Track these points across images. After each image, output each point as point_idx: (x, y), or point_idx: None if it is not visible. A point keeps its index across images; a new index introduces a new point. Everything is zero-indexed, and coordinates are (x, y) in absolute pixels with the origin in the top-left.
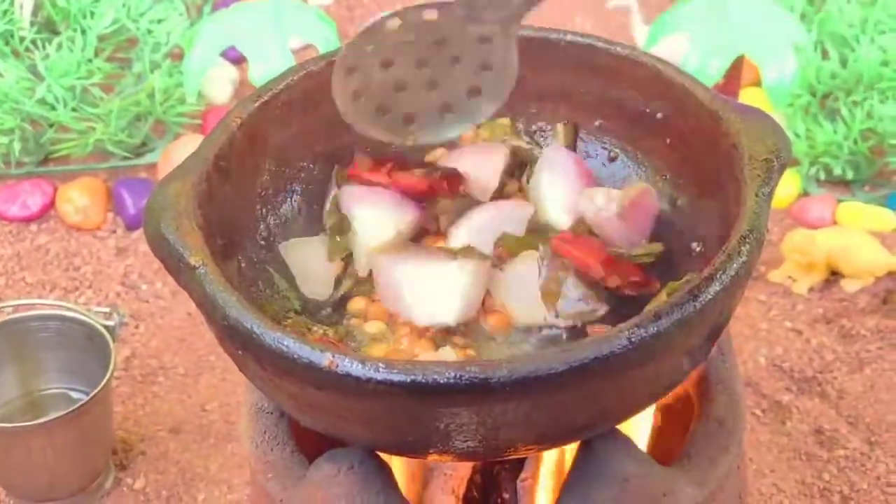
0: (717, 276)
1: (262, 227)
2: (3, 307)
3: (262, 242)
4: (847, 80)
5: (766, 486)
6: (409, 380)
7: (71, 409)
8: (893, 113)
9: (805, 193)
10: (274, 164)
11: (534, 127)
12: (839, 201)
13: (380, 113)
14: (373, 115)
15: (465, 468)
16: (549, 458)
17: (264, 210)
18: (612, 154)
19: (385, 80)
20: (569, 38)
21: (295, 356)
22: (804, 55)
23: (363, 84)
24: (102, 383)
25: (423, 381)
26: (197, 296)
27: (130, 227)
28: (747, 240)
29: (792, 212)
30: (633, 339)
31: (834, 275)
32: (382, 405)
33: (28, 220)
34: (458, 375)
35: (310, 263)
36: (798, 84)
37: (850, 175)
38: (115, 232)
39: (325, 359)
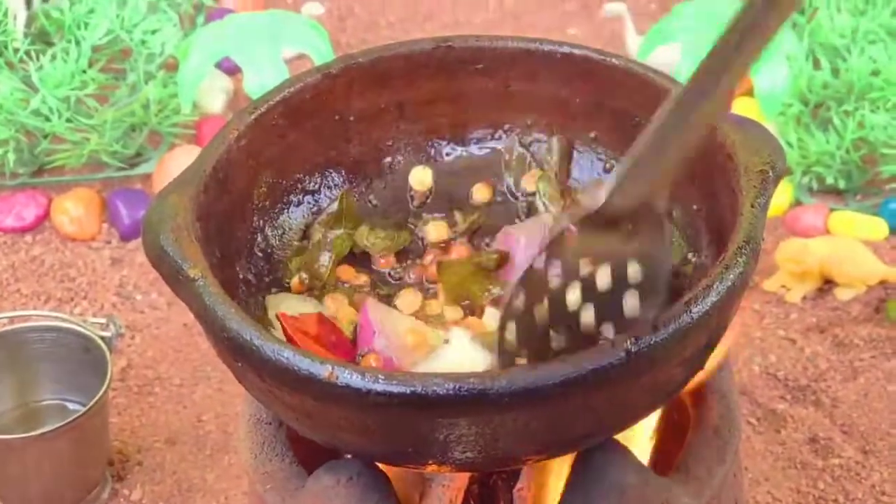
0: (715, 286)
1: (259, 238)
2: None
3: (260, 254)
4: (839, 90)
5: (761, 495)
6: (408, 391)
7: (67, 420)
8: (885, 122)
9: (797, 202)
10: (271, 176)
11: (528, 139)
12: (831, 210)
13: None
14: None
15: (462, 479)
16: (546, 468)
17: (261, 221)
18: (607, 165)
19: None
20: (564, 49)
21: (294, 367)
22: (796, 65)
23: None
24: (99, 394)
25: (423, 392)
26: (196, 308)
27: (125, 237)
28: (744, 250)
29: (785, 221)
30: (631, 351)
31: (827, 283)
32: (382, 416)
33: (22, 231)
34: (457, 387)
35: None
36: (789, 94)
37: (842, 184)
38: (109, 243)
39: (324, 370)
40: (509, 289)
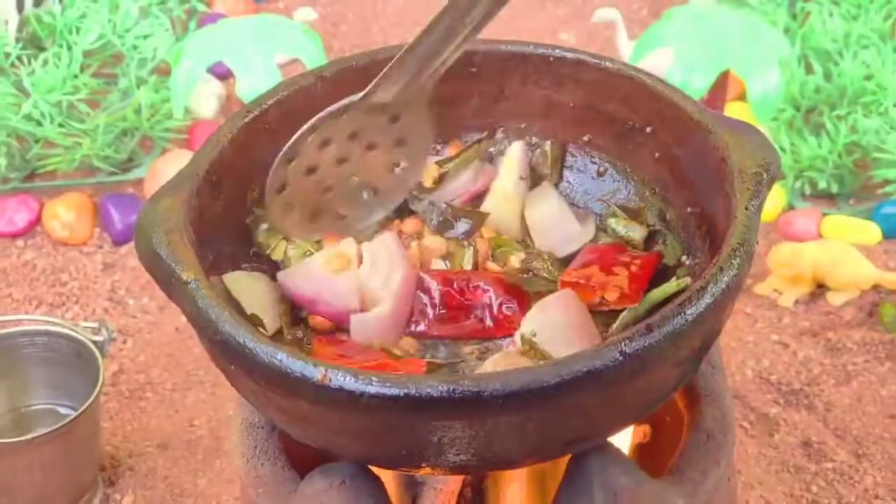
0: (709, 288)
1: (252, 241)
2: None
3: (253, 257)
4: (831, 95)
5: (754, 499)
6: (402, 393)
7: (59, 425)
8: (877, 127)
9: (790, 207)
10: (263, 180)
11: (522, 142)
12: (824, 215)
13: (312, 218)
14: (306, 224)
15: (454, 482)
16: (539, 471)
17: (254, 224)
18: (600, 169)
19: (310, 186)
20: (557, 52)
21: (288, 370)
22: (788, 70)
23: (292, 197)
24: (91, 399)
25: (417, 394)
26: (189, 311)
27: (117, 242)
28: (738, 252)
29: (777, 225)
30: (625, 352)
31: (820, 288)
32: (376, 419)
33: (14, 236)
34: (451, 389)
35: (254, 296)
36: (782, 98)
37: (834, 188)
38: (101, 247)
39: (318, 373)
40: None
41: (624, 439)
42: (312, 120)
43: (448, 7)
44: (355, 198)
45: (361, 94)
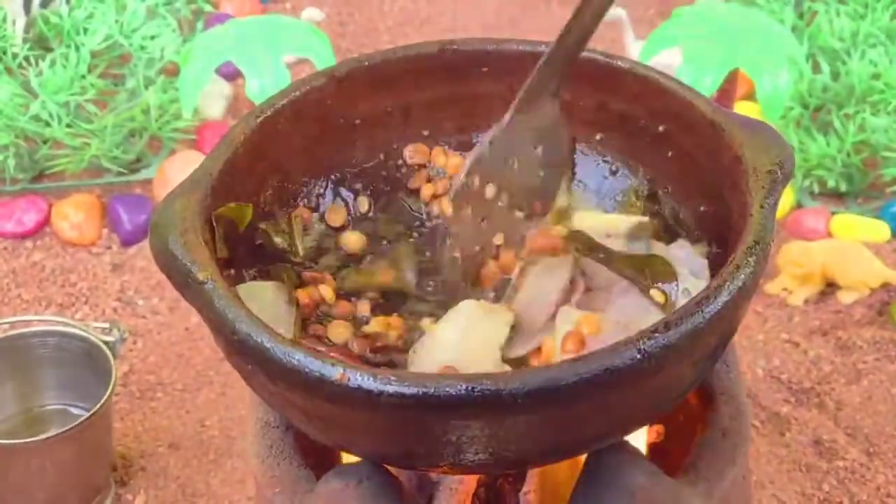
0: (726, 286)
1: (265, 241)
2: (0, 324)
3: (267, 257)
4: (839, 94)
5: (766, 498)
6: (420, 392)
7: (71, 425)
8: (886, 125)
9: (799, 206)
10: (276, 180)
11: None
12: (833, 213)
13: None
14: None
15: (470, 482)
16: (554, 471)
17: (268, 225)
18: (613, 168)
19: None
20: None
21: (306, 370)
22: (796, 68)
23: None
24: (103, 399)
25: (435, 393)
26: (205, 311)
27: (126, 242)
28: (754, 251)
29: (786, 224)
30: (643, 350)
31: (829, 286)
32: (394, 418)
33: (23, 237)
34: (469, 388)
35: (266, 306)
36: (790, 97)
37: (843, 187)
38: (110, 248)
39: (336, 372)
40: (452, 193)
41: (637, 438)
42: (469, 161)
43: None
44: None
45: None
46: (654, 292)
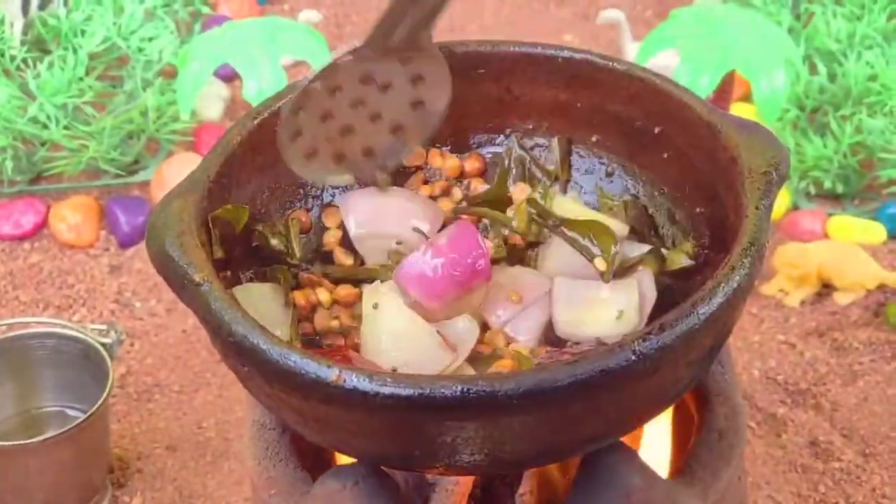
0: (721, 288)
1: (262, 243)
2: None
3: (263, 259)
4: (835, 95)
5: (762, 499)
6: (416, 394)
7: (68, 427)
8: (882, 127)
9: (795, 207)
10: (273, 182)
11: (530, 143)
12: (829, 215)
13: (337, 160)
14: (330, 166)
15: (465, 483)
16: (550, 472)
17: (264, 226)
18: (609, 169)
19: (328, 130)
20: (565, 53)
21: (302, 371)
22: (793, 70)
23: (311, 144)
24: (100, 401)
25: (431, 394)
26: (202, 313)
27: (123, 244)
28: (749, 252)
29: (782, 225)
30: (638, 352)
31: (826, 288)
32: (390, 419)
33: (21, 239)
34: (465, 389)
35: (262, 307)
36: (787, 98)
37: (840, 189)
38: (108, 250)
39: (332, 374)
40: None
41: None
42: (317, 71)
43: None
44: (380, 136)
45: (364, 40)
46: (597, 261)
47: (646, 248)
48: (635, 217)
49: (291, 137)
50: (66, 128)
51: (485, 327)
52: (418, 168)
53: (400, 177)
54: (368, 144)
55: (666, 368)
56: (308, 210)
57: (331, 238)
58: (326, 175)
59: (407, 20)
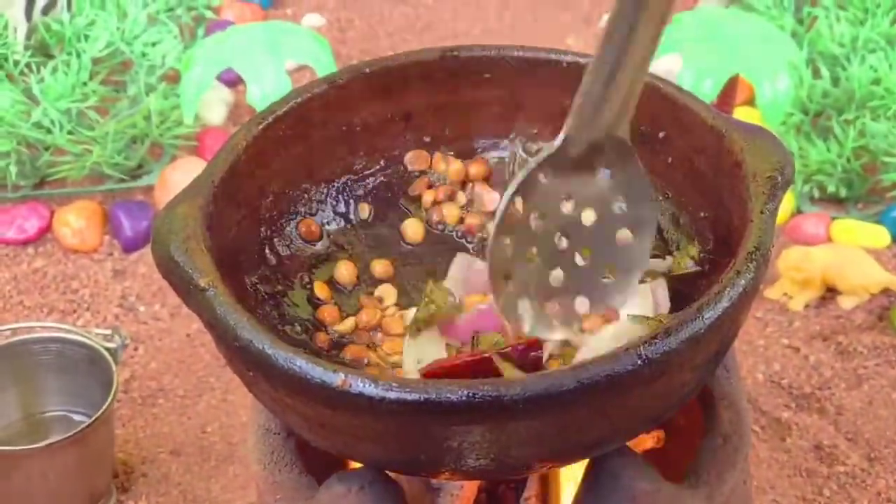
0: (726, 292)
1: (267, 248)
2: (1, 330)
3: (268, 264)
4: (839, 99)
5: (767, 503)
6: (422, 398)
7: (73, 432)
8: (886, 131)
9: (799, 211)
10: (277, 187)
11: (535, 147)
12: (833, 219)
13: (544, 306)
14: (539, 314)
15: (471, 488)
16: (555, 476)
17: (269, 231)
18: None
19: (535, 277)
20: (569, 58)
21: (307, 376)
22: (796, 74)
23: (521, 289)
24: (105, 406)
25: (437, 399)
26: (207, 318)
27: (127, 249)
28: (754, 256)
29: (786, 229)
30: (643, 356)
31: (830, 292)
32: (395, 424)
33: (25, 244)
34: (471, 394)
35: None
36: (790, 102)
37: (843, 193)
38: (112, 254)
39: (337, 378)
40: (490, 236)
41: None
42: (511, 186)
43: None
44: (589, 280)
45: (560, 141)
46: None
47: (657, 261)
48: None
49: (504, 277)
50: (69, 132)
51: None
52: (423, 173)
53: (403, 181)
54: (577, 286)
55: (671, 373)
56: (312, 215)
57: None
58: (534, 326)
59: (605, 110)
